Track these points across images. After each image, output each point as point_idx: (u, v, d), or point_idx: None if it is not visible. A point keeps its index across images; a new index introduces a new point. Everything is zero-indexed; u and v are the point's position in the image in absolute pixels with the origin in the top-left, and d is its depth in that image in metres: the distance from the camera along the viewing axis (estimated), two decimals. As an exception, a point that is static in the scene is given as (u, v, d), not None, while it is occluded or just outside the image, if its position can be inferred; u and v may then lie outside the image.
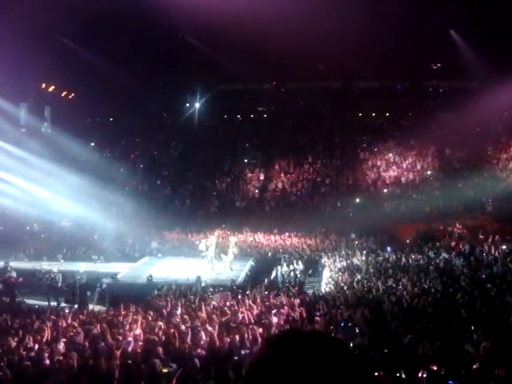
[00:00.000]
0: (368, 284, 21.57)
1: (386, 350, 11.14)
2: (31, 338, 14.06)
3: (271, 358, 1.37)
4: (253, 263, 29.07)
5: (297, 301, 17.80)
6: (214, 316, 15.47)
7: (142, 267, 29.43)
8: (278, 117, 46.67)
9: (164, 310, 16.99)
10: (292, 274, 25.72)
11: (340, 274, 24.65)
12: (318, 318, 15.07)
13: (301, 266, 26.81)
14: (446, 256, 25.60)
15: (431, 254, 26.38)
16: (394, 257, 26.62)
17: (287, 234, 33.75)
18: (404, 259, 25.74)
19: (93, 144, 44.85)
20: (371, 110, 46.55)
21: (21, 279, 25.67)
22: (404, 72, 41.29)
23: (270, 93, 47.15)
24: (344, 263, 26.50)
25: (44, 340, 14.10)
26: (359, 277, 23.17)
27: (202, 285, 23.06)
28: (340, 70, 40.25)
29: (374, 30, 32.05)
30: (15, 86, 33.95)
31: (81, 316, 17.80)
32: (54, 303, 22.96)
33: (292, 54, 33.77)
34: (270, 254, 30.44)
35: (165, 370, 10.07)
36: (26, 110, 39.31)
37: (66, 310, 20.02)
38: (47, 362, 12.05)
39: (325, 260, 27.77)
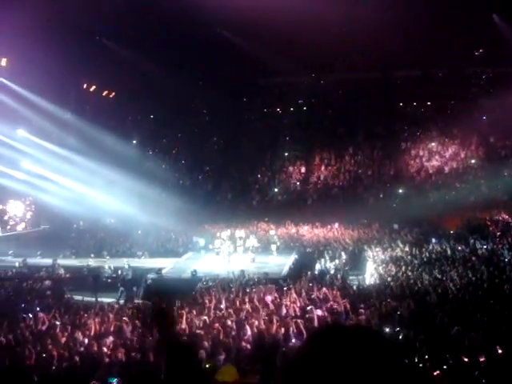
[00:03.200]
0: (413, 276, 21.36)
1: (432, 343, 11.04)
2: (80, 333, 14.40)
3: (313, 354, 1.38)
4: (296, 256, 29.06)
5: (340, 293, 17.74)
6: (259, 309, 15.55)
7: (186, 262, 29.69)
8: (318, 109, 46.38)
9: (209, 304, 17.13)
10: (335, 266, 25.64)
11: (384, 265, 24.44)
12: (362, 311, 15.02)
13: (344, 259, 26.72)
14: (493, 246, 25.16)
15: (477, 244, 25.95)
16: (439, 248, 26.26)
17: (330, 226, 33.63)
18: (449, 250, 25.38)
19: (134, 142, 45.46)
20: (412, 100, 45.82)
21: (68, 275, 26.29)
22: (446, 59, 40.50)
23: (310, 85, 46.83)
24: (388, 255, 26.27)
25: (92, 335, 14.43)
26: (404, 268, 22.95)
27: (245, 278, 23.17)
28: (379, 59, 39.76)
29: (414, 17, 31.57)
30: (58, 87, 34.62)
31: (127, 311, 18.09)
32: (101, 299, 23.36)
33: (331, 45, 33.52)
34: (313, 247, 30.35)
35: (207, 365, 10.10)
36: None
37: (114, 306, 20.39)
38: (96, 356, 12.34)
39: (368, 252, 27.58)
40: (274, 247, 30.05)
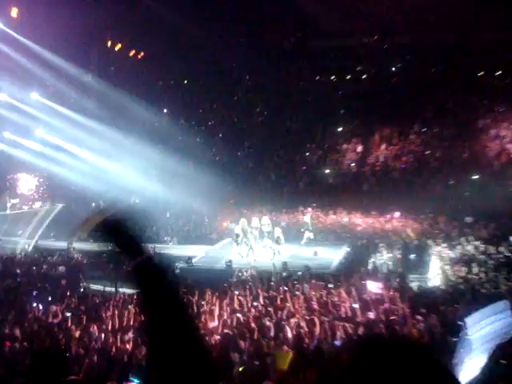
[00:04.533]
0: (486, 278, 21.11)
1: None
2: (95, 327, 14.65)
3: (350, 369, 1.42)
4: (348, 249, 28.99)
5: (398, 294, 17.60)
6: (302, 308, 15.56)
7: (221, 251, 29.90)
8: (380, 77, 45.78)
9: (244, 300, 17.21)
10: (394, 263, 25.49)
11: (452, 265, 24.20)
12: (419, 317, 14.85)
13: (404, 254, 26.54)
14: None
15: None
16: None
17: (388, 215, 33.40)
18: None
19: (165, 110, 45.74)
20: (494, 69, 44.77)
21: (85, 261, 26.75)
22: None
23: (371, 49, 46.25)
24: (457, 252, 25.99)
25: (110, 329, 14.66)
26: (476, 270, 22.68)
27: (284, 274, 23.13)
28: (455, 18, 38.92)
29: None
30: (78, 44, 34.86)
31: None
32: (122, 289, 23.70)
33: (397, 1, 32.99)
34: (367, 239, 30.24)
35: (240, 369, 10.20)
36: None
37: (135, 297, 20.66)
38: (113, 354, 12.54)
39: (433, 248, 27.34)
40: (308, 235, 30.18)
